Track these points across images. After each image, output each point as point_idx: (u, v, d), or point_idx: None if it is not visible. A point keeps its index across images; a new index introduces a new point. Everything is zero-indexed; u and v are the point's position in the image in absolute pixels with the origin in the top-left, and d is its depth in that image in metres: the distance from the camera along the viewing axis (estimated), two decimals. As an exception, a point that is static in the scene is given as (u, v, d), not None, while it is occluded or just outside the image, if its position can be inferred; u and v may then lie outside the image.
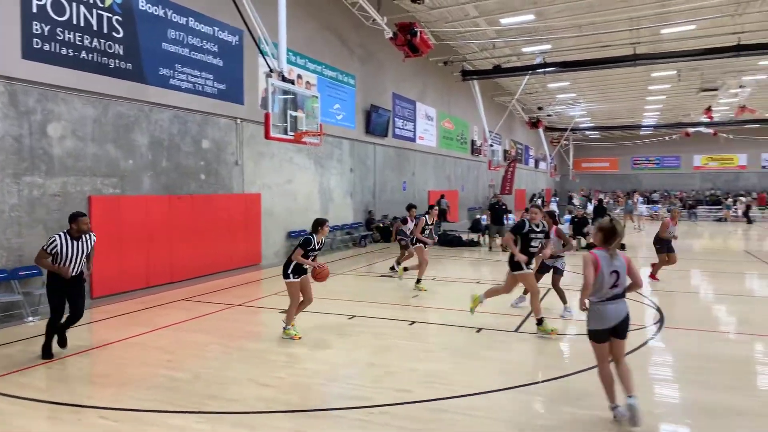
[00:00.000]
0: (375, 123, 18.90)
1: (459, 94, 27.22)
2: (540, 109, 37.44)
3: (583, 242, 15.67)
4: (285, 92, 10.41)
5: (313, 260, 6.97)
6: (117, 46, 9.67)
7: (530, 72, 23.29)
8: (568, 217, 18.65)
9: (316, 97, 11.49)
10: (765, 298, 10.08)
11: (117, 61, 9.67)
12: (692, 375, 5.71)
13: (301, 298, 7.09)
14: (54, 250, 6.07)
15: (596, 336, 4.49)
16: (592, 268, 4.38)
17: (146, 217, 10.22)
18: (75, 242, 6.20)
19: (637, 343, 6.61)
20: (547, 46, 23.07)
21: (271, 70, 10.44)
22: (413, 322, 7.81)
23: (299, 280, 6.98)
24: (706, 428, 4.43)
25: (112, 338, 6.95)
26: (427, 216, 10.63)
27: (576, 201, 29.97)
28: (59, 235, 6.15)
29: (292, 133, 10.46)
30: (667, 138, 47.67)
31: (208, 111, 11.88)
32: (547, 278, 8.32)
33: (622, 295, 4.48)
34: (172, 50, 10.81)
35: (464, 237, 18.54)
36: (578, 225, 15.85)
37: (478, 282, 11.22)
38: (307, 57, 15.29)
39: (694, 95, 32.07)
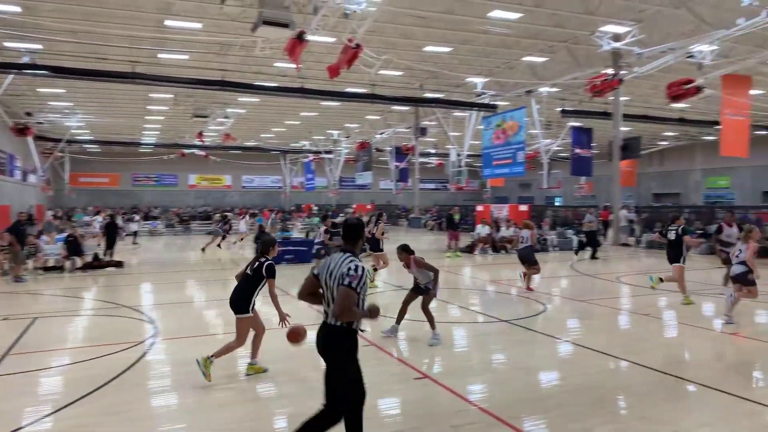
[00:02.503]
0: None
1: None
2: (29, 114, 32.90)
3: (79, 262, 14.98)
4: None
5: None
6: None
7: (15, 71, 20.33)
8: (62, 236, 17.10)
9: None
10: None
11: None
12: (188, 380, 6.24)
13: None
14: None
15: None
16: None
17: None
18: None
19: (133, 359, 6.75)
20: (38, 46, 20.58)
21: None
22: None
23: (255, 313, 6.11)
24: (195, 425, 4.94)
25: None
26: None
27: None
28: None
29: None
30: (165, 157, 50.20)
31: None
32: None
33: None
34: None
35: None
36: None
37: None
38: None
39: (188, 119, 34.98)
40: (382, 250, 13.29)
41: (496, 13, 18.43)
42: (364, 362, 6.74)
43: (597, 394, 5.61)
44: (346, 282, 3.67)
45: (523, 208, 29.81)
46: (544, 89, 26.20)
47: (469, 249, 21.13)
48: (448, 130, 30.99)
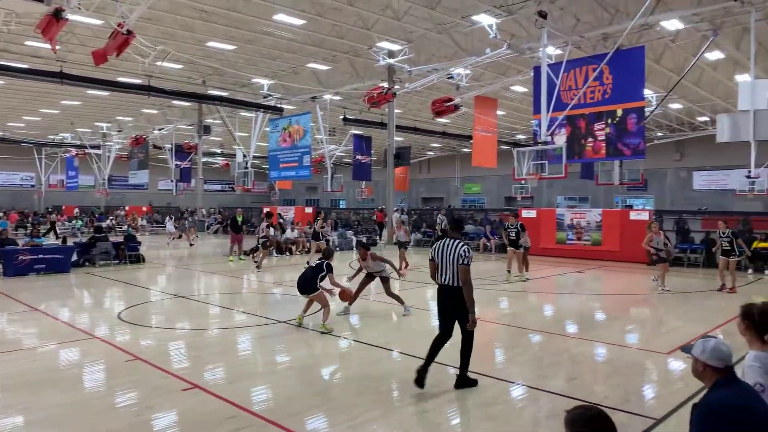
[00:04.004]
0: None
1: None
2: None
3: None
4: None
5: None
6: None
7: None
8: None
9: None
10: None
11: None
12: None
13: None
14: None
15: None
16: None
17: None
18: None
19: None
20: None
21: None
22: None
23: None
24: None
25: None
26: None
27: None
28: None
29: None
30: None
31: None
32: None
33: None
34: None
35: None
36: None
37: None
38: None
39: None
40: (320, 239, 18.55)
41: (281, 17, 18.57)
42: (128, 376, 6.29)
43: (363, 384, 6.05)
44: (465, 262, 5.57)
45: (309, 210, 30.58)
46: (327, 96, 27.19)
47: (254, 251, 20.87)
48: (233, 130, 30.15)
